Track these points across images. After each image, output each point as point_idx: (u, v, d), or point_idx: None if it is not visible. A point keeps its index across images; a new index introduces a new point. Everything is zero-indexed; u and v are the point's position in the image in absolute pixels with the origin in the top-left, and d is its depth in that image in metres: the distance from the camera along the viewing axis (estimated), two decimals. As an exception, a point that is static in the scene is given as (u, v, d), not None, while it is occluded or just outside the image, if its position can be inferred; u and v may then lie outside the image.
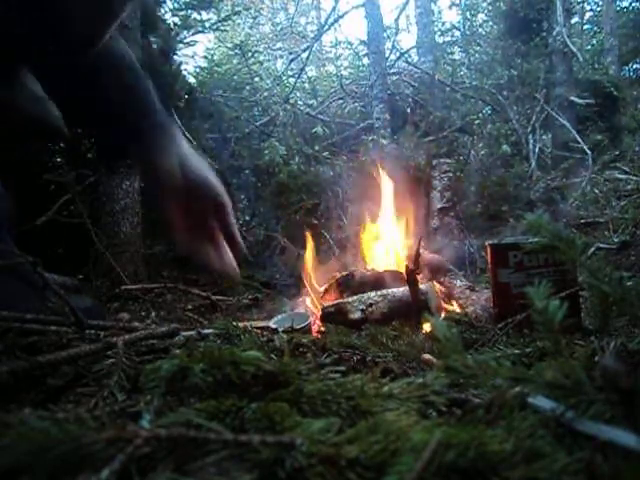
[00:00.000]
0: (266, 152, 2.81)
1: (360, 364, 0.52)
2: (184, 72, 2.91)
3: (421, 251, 1.07)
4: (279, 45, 7.94)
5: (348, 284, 1.26)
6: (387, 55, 5.03)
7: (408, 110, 4.67)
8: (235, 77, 3.56)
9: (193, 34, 2.89)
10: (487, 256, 0.76)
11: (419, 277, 0.97)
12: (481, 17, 7.56)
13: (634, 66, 7.21)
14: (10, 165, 0.92)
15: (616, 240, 1.82)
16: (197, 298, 1.82)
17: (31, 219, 2.00)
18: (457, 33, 7.55)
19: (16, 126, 0.84)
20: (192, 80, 3.08)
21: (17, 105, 0.79)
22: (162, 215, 0.77)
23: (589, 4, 8.96)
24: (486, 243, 0.77)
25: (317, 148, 2.94)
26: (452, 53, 7.19)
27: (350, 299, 1.09)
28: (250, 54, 3.90)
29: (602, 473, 0.21)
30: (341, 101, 4.85)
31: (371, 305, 1.05)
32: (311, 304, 1.33)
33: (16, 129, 0.86)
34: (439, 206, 2.50)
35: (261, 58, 5.36)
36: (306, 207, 2.62)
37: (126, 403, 0.35)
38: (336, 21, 5.67)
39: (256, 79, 3.37)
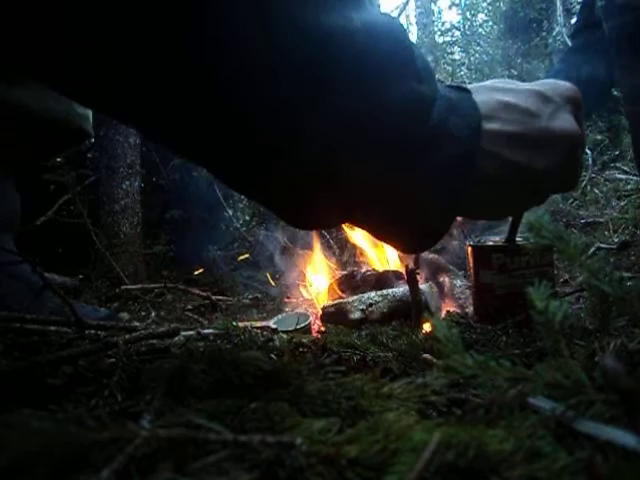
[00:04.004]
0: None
1: (360, 364, 0.52)
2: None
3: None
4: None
5: (348, 284, 1.26)
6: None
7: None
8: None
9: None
10: (468, 257, 0.76)
11: (419, 277, 0.97)
12: (481, 17, 7.55)
13: (634, 66, 7.21)
14: (15, 165, 0.89)
15: (616, 240, 1.82)
16: (197, 298, 1.81)
17: (31, 219, 2.00)
18: (457, 33, 7.55)
19: (17, 128, 0.80)
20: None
21: (18, 105, 0.75)
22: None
23: (589, 4, 8.96)
24: (466, 244, 0.77)
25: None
26: (452, 53, 7.18)
27: (350, 299, 1.09)
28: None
29: (602, 473, 0.21)
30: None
31: (371, 305, 1.05)
32: (311, 301, 1.33)
33: (17, 132, 0.81)
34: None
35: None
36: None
37: (126, 403, 0.35)
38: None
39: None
